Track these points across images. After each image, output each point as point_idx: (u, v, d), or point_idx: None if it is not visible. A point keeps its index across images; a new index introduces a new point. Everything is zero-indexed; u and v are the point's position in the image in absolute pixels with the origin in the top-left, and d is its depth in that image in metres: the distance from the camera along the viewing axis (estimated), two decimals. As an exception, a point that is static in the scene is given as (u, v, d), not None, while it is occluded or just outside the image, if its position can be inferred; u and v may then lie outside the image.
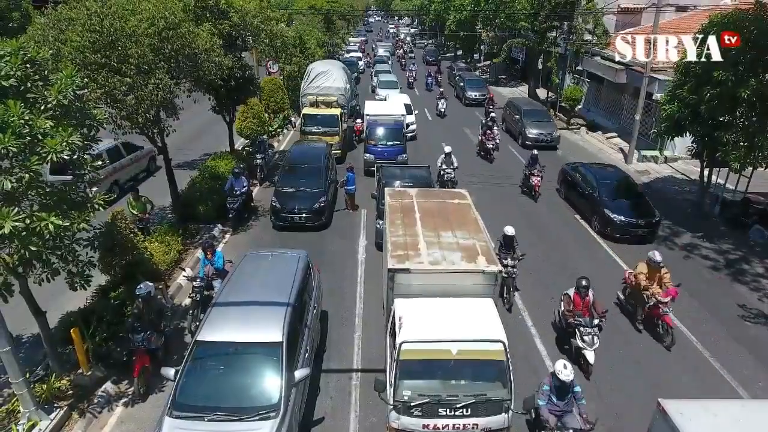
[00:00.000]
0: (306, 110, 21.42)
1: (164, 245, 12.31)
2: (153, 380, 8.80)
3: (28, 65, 6.73)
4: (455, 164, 16.81)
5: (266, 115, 21.60)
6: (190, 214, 14.42)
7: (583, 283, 9.15)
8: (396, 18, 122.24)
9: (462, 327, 7.23)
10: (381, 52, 52.45)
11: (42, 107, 6.77)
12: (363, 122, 22.01)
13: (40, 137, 6.44)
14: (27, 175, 6.14)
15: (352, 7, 62.89)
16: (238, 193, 14.62)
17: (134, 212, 13.01)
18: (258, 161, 18.35)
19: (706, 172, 16.63)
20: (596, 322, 9.00)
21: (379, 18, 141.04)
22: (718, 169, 16.45)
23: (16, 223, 6.03)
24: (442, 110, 29.88)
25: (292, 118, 26.88)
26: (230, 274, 9.03)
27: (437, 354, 6.99)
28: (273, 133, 23.15)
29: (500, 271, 7.99)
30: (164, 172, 14.13)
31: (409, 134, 22.98)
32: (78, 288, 7.74)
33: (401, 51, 59.18)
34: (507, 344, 7.06)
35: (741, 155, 13.66)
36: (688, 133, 15.89)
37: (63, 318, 9.88)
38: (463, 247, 8.48)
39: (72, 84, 7.06)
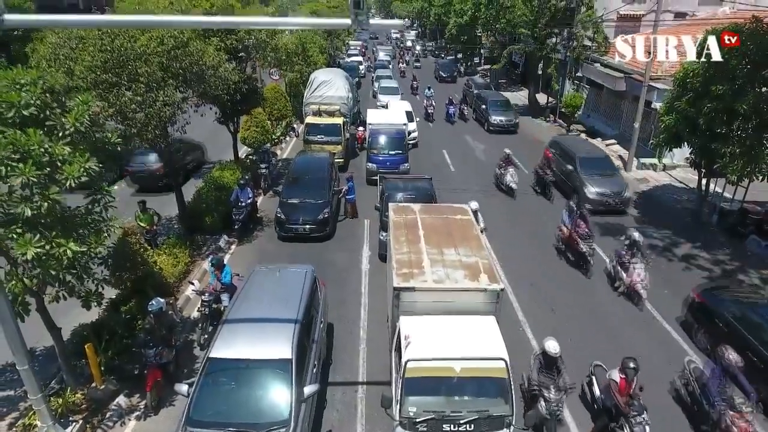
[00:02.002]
0: (309, 119, 21.70)
1: (172, 257, 12.57)
2: (165, 394, 9.05)
3: (47, 94, 6.99)
4: (482, 224, 13.07)
5: (269, 122, 21.87)
6: (197, 226, 14.67)
7: (632, 365, 7.82)
8: (397, 19, 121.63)
9: (465, 345, 7.49)
10: (382, 56, 52.51)
11: (60, 134, 7.03)
12: (365, 130, 22.28)
13: (59, 164, 6.70)
14: (46, 204, 6.37)
15: (352, 9, 62.85)
16: (243, 204, 14.86)
17: (142, 224, 13.26)
18: (262, 171, 18.60)
19: (704, 182, 16.89)
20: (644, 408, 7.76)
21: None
22: (715, 178, 16.71)
23: (38, 250, 6.30)
24: (513, 185, 18.60)
25: (294, 125, 27.12)
26: (239, 290, 9.28)
27: (442, 371, 7.25)
28: (276, 140, 23.40)
29: (502, 290, 8.24)
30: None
31: (411, 141, 23.27)
32: (92, 306, 8.05)
33: (403, 64, 47.98)
34: (509, 362, 7.32)
35: (738, 167, 13.91)
36: (686, 144, 16.15)
37: (75, 330, 10.14)
38: (466, 265, 8.73)
39: (87, 110, 7.32)
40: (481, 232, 12.11)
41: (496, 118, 28.04)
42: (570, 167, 18.59)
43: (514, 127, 28.21)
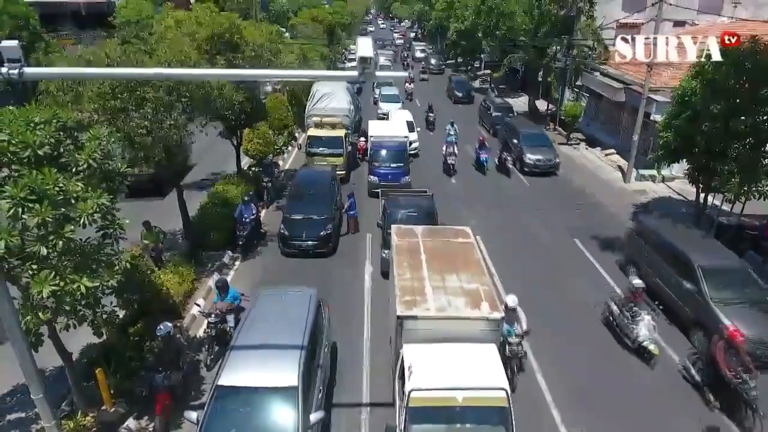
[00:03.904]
0: (311, 132, 21.92)
1: (178, 276, 12.76)
2: (173, 417, 9.24)
3: (61, 132, 7.20)
4: (525, 327, 10.07)
5: (270, 132, 22.03)
6: (201, 242, 14.85)
7: None
8: (396, 21, 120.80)
9: (467, 375, 7.70)
10: (382, 61, 52.39)
11: (73, 170, 7.24)
12: (366, 141, 22.51)
13: (73, 202, 6.90)
14: (61, 242, 6.57)
15: (352, 14, 62.88)
16: (247, 220, 15.07)
17: (147, 242, 13.47)
18: (265, 184, 18.80)
19: (701, 196, 17.05)
20: None
21: (384, 25, 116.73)
22: (713, 193, 16.87)
23: (53, 287, 6.52)
24: (652, 347, 10.66)
25: (296, 134, 27.28)
26: (245, 316, 9.48)
27: (444, 401, 7.48)
28: (278, 150, 23.60)
29: (502, 318, 8.46)
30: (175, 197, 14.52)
31: (412, 151, 23.47)
32: (103, 334, 8.28)
33: (410, 83, 37.64)
34: (509, 391, 7.54)
35: (735, 186, 14.11)
36: (684, 161, 16.35)
37: (83, 351, 10.37)
38: (467, 292, 8.94)
39: (99, 145, 7.52)
40: (522, 337, 10.06)
41: (533, 157, 22.33)
42: (688, 284, 11.36)
43: (555, 168, 22.70)
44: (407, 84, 37.71)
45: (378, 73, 5.63)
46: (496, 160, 22.93)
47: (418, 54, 57.71)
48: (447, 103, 37.57)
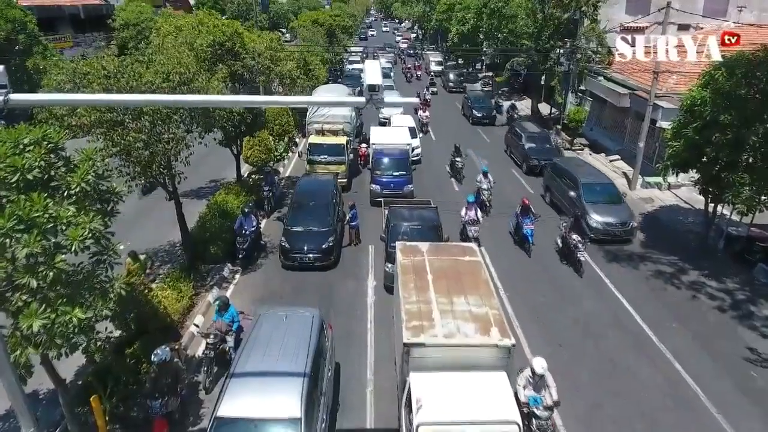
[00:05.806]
0: (312, 139, 21.60)
1: (176, 292, 12.42)
2: (170, 444, 8.94)
3: (51, 155, 6.85)
4: (555, 396, 8.49)
5: (271, 138, 21.73)
6: (201, 255, 14.51)
7: None
8: (397, 21, 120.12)
9: (477, 408, 7.37)
10: (383, 63, 52.16)
11: (65, 193, 6.89)
12: (368, 147, 22.20)
13: (63, 228, 6.56)
14: (51, 273, 6.24)
15: (353, 15, 62.48)
16: (247, 232, 14.74)
17: (133, 274, 13.06)
18: (266, 193, 18.49)
19: (711, 206, 16.74)
20: None
21: (387, 28, 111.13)
22: (722, 204, 16.57)
23: (44, 321, 6.18)
24: None
25: (297, 139, 26.96)
26: (246, 338, 9.15)
27: (454, 436, 7.15)
28: (278, 157, 23.30)
29: (513, 345, 8.13)
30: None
31: (414, 158, 23.16)
32: (96, 359, 7.95)
33: (425, 111, 29.32)
34: (521, 425, 7.22)
35: (747, 198, 13.81)
36: (693, 171, 16.04)
37: (78, 372, 10.03)
38: (476, 317, 8.61)
39: (92, 167, 7.17)
40: (552, 409, 8.57)
41: (600, 219, 16.19)
42: None
43: (631, 236, 16.63)
44: (421, 112, 29.28)
45: (387, 100, 5.33)
46: (559, 241, 15.66)
47: (434, 67, 49.07)
48: (463, 125, 31.23)
